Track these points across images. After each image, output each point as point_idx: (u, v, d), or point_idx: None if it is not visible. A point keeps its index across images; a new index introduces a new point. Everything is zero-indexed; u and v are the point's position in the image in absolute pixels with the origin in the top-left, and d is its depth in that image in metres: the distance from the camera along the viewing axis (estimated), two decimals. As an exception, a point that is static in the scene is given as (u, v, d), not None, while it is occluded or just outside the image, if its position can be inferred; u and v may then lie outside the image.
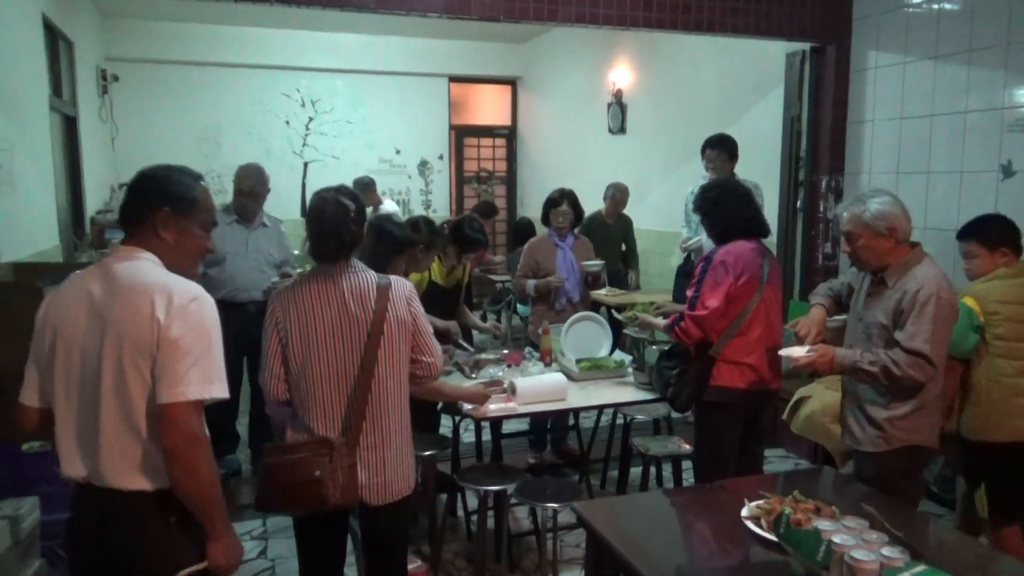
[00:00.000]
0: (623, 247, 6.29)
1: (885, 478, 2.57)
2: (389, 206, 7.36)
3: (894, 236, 2.56)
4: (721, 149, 4.64)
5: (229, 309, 3.19)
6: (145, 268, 1.77)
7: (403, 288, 2.33)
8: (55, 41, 5.97)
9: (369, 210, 7.23)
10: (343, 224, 2.23)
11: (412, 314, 2.33)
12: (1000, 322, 2.90)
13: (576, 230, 4.61)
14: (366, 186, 7.12)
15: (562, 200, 4.44)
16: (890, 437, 2.58)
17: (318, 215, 2.25)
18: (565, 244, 4.45)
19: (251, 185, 4.17)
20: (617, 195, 6.23)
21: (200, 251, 1.90)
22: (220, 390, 1.73)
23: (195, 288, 1.77)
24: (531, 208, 9.88)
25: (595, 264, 4.45)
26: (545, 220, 4.53)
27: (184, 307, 1.70)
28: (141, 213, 1.81)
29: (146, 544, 1.76)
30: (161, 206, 1.80)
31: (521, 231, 6.76)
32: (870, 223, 2.57)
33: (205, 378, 1.70)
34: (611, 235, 6.10)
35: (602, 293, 5.60)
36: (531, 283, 4.41)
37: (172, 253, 1.83)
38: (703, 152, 4.71)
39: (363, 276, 2.29)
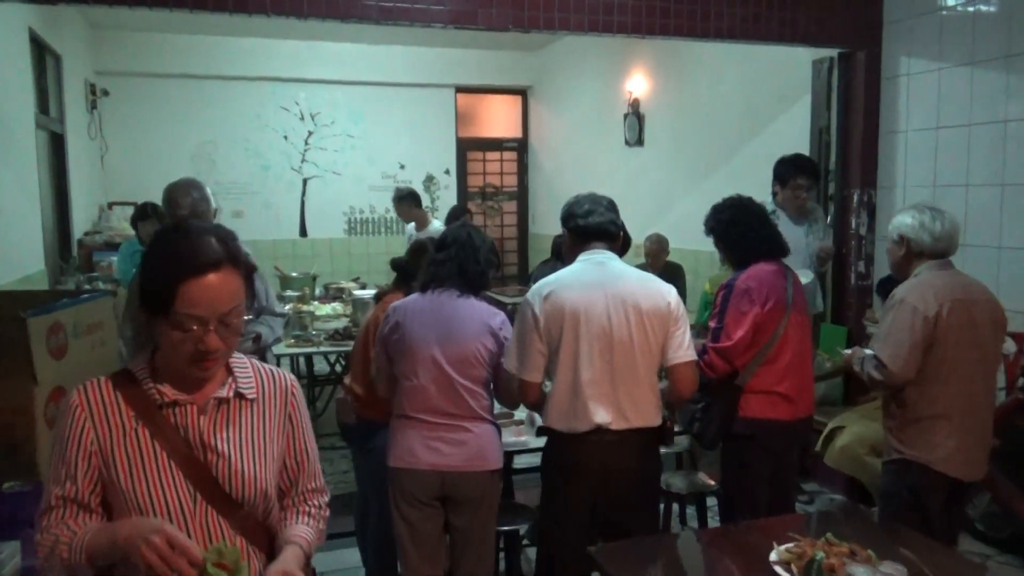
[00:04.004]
0: None
1: (893, 493, 2.81)
2: (437, 226, 6.59)
3: (905, 244, 2.84)
4: (816, 178, 4.48)
5: None
6: (626, 267, 2.73)
7: None
8: (42, 55, 6.07)
9: (411, 227, 7.01)
10: None
11: None
12: None
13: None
14: (403, 199, 6.71)
15: None
16: (891, 446, 2.84)
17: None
18: None
19: (191, 205, 3.21)
20: (646, 245, 5.99)
21: None
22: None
23: None
24: (543, 224, 9.88)
25: None
26: None
27: (676, 294, 2.66)
28: (616, 231, 2.76)
29: (651, 464, 2.77)
30: None
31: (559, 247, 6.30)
32: (889, 231, 2.91)
33: (693, 345, 2.68)
34: None
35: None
36: None
37: None
38: (790, 177, 4.41)
39: None
